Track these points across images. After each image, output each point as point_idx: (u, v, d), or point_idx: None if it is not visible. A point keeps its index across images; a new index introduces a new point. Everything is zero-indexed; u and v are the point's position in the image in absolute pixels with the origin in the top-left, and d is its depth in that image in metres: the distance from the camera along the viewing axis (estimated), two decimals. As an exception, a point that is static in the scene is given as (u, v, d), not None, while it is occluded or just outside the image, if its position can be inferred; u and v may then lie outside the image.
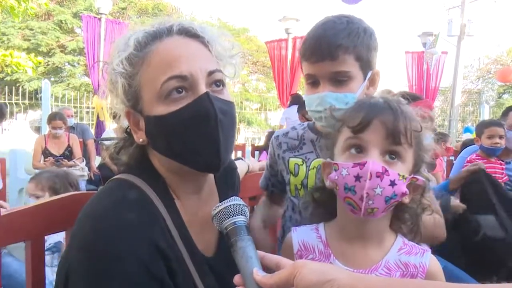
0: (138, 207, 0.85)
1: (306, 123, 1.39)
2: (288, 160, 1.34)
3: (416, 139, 0.89)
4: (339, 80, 1.15)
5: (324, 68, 1.14)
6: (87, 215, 0.85)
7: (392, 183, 0.83)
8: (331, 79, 1.15)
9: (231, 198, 0.81)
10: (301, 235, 0.99)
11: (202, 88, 0.86)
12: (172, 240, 0.87)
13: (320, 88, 1.17)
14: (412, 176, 0.88)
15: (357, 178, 0.83)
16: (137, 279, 0.77)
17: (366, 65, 1.17)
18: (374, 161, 0.83)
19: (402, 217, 0.94)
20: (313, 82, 1.19)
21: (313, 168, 1.28)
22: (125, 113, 0.94)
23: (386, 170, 0.83)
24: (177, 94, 0.85)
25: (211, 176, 1.05)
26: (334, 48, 1.12)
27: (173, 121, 0.85)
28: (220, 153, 0.87)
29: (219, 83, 0.91)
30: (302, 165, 1.30)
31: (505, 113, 3.27)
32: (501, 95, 24.90)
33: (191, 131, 0.86)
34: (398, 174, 0.84)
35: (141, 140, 0.93)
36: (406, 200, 0.88)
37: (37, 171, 5.73)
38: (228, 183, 1.15)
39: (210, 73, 0.88)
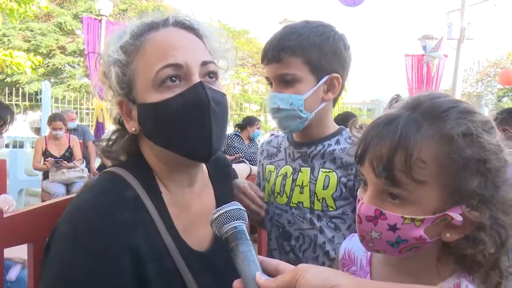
0: (118, 199, 0.86)
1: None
2: (265, 167, 1.36)
3: (449, 167, 0.66)
4: (286, 81, 1.17)
5: (272, 70, 1.19)
6: (71, 205, 0.88)
7: (393, 228, 0.69)
8: (279, 80, 1.18)
9: (230, 203, 0.80)
10: (351, 244, 0.92)
11: (196, 78, 0.87)
12: (157, 234, 0.87)
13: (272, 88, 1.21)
14: (442, 214, 0.68)
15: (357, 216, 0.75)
16: (112, 273, 0.79)
17: (318, 68, 1.15)
18: (367, 203, 0.72)
19: (447, 258, 0.74)
20: (271, 83, 1.23)
21: (280, 175, 1.29)
22: (117, 102, 0.94)
23: (382, 214, 0.70)
24: (171, 82, 0.86)
25: (204, 169, 1.06)
26: (277, 50, 1.15)
27: (166, 108, 0.86)
28: (212, 140, 0.88)
29: (212, 74, 0.92)
30: (273, 171, 1.32)
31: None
32: (500, 98, 24.93)
33: (184, 118, 0.86)
34: (402, 217, 0.68)
35: (133, 129, 0.93)
36: (449, 238, 0.70)
37: (37, 172, 5.74)
38: (223, 178, 1.15)
39: (204, 63, 0.90)
